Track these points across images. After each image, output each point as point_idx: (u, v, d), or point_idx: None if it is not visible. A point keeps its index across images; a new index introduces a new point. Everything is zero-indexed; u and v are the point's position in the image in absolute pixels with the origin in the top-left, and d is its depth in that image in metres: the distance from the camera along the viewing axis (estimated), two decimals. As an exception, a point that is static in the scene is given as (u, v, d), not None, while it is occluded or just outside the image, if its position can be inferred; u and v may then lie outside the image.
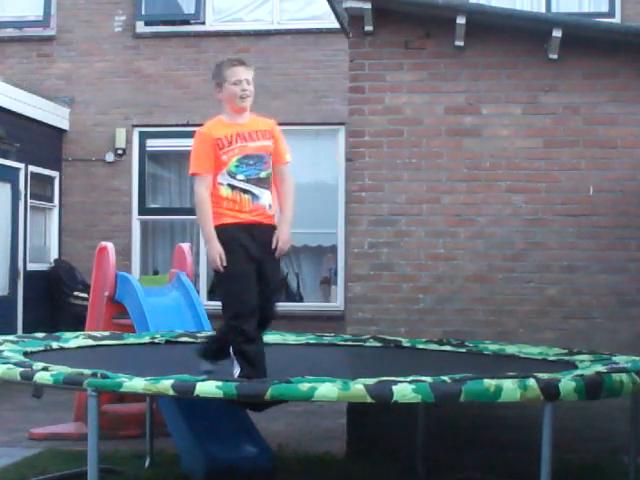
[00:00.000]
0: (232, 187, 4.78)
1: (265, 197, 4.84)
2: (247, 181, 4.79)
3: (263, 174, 4.84)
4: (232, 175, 4.78)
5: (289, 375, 4.37)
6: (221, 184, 4.77)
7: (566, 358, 5.41)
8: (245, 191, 4.78)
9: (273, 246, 4.82)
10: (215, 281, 4.88)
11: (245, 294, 4.74)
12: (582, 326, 6.49)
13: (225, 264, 4.71)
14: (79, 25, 12.10)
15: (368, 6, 6.52)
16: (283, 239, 4.85)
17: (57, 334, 6.25)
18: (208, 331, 6.85)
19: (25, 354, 5.38)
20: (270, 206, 4.87)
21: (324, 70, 11.52)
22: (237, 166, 4.78)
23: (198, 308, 7.25)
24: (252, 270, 4.77)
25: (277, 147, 4.98)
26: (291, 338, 6.64)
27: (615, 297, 6.50)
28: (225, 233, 4.73)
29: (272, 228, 4.87)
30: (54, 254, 11.83)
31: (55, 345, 5.90)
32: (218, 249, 4.71)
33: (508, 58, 6.65)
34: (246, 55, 11.73)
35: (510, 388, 4.16)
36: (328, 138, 11.62)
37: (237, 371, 4.75)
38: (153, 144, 12.03)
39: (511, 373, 4.39)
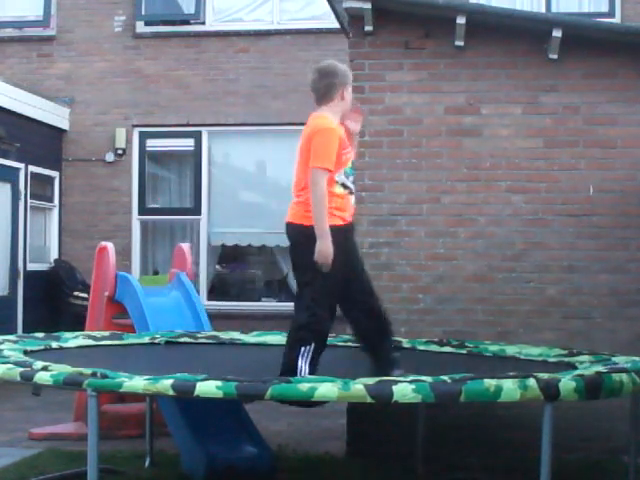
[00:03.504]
0: (344, 187, 4.94)
1: (353, 199, 5.09)
2: (353, 183, 5.04)
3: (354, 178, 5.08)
4: (346, 176, 4.96)
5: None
6: (337, 182, 4.90)
7: (566, 360, 5.41)
8: (351, 192, 5.01)
9: None
10: (307, 276, 4.88)
11: (334, 297, 4.90)
12: (582, 326, 6.49)
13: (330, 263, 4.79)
14: (79, 25, 12.10)
15: (368, 6, 6.52)
16: None
17: (57, 334, 6.25)
18: (208, 331, 6.86)
19: (25, 353, 5.38)
20: None
21: (324, 70, 11.50)
22: (351, 167, 5.00)
23: (198, 308, 7.25)
24: (342, 277, 4.91)
25: None
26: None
27: (615, 297, 6.50)
28: (337, 235, 4.82)
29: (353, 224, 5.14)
30: (54, 254, 11.83)
31: (55, 345, 5.90)
32: (331, 246, 4.77)
33: (508, 58, 6.65)
34: (246, 55, 11.77)
35: (510, 388, 4.17)
36: (328, 138, 11.60)
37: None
38: (153, 144, 12.03)
39: (511, 373, 4.39)
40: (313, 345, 4.79)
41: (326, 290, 4.84)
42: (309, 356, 4.78)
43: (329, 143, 4.83)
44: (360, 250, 5.29)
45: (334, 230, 4.81)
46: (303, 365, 4.77)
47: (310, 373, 4.75)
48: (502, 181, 6.62)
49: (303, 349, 4.78)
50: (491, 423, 6.32)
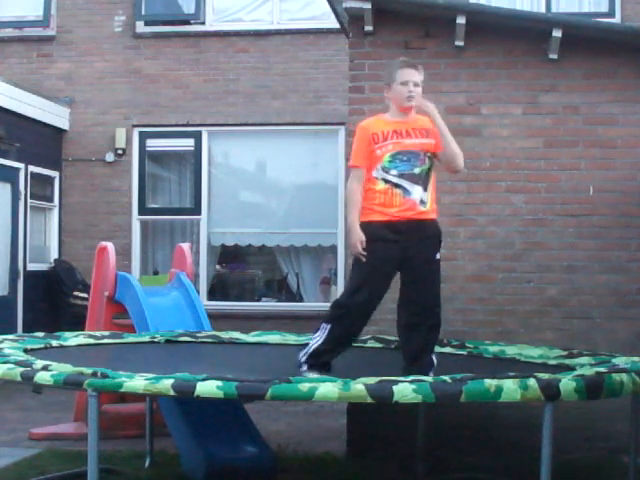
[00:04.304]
0: (385, 181, 4.94)
1: (416, 192, 4.94)
2: (400, 176, 4.94)
3: (417, 170, 4.96)
4: (386, 170, 4.94)
5: (289, 375, 4.37)
6: (377, 178, 4.95)
7: (566, 362, 5.40)
8: (397, 185, 4.92)
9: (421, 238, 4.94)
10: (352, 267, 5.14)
11: (362, 293, 4.92)
12: (582, 326, 6.49)
13: (365, 254, 4.87)
14: (79, 25, 12.08)
15: (368, 6, 6.53)
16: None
17: (57, 334, 6.25)
18: (208, 331, 6.86)
19: (25, 351, 5.39)
20: (422, 201, 4.95)
21: (324, 70, 11.51)
22: (390, 161, 4.95)
23: (198, 308, 7.25)
24: (384, 274, 4.95)
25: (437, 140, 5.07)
26: (291, 338, 6.63)
27: (615, 297, 6.50)
28: (370, 230, 4.90)
29: (423, 223, 4.96)
30: (54, 254, 11.82)
31: (55, 343, 5.90)
32: (359, 236, 4.88)
33: (508, 58, 6.66)
34: (246, 55, 11.77)
35: (511, 388, 4.16)
36: (328, 138, 11.62)
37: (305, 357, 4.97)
38: (153, 144, 12.03)
39: (511, 373, 4.39)
40: (330, 326, 4.93)
41: (357, 283, 4.96)
42: (325, 334, 4.94)
43: (355, 141, 5.07)
44: (429, 257, 4.98)
45: (369, 225, 4.92)
46: (319, 337, 4.96)
47: (319, 350, 4.92)
48: (502, 181, 6.62)
49: (323, 325, 4.99)
50: (491, 423, 6.32)
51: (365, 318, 5.04)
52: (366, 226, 4.92)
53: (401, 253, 4.93)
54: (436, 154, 5.05)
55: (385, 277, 4.98)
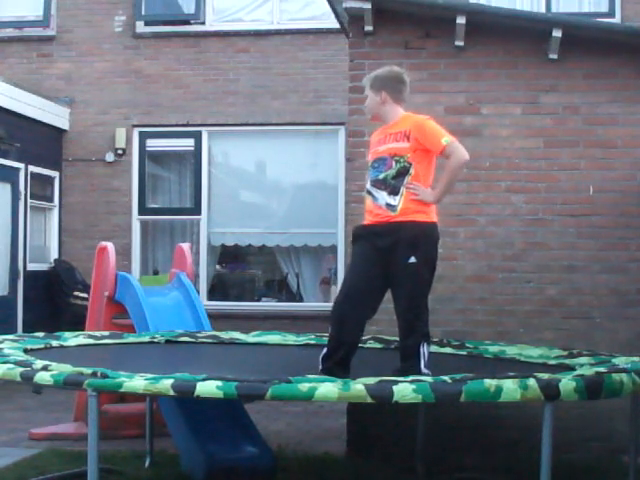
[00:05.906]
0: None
1: (381, 198, 4.98)
2: (370, 183, 5.06)
3: (381, 175, 5.01)
4: (369, 176, 5.12)
5: (289, 375, 4.36)
6: None
7: (566, 362, 5.40)
8: (369, 193, 5.07)
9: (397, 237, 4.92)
10: None
11: (344, 287, 5.05)
12: (582, 326, 6.49)
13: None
14: (79, 25, 12.08)
15: (368, 6, 6.53)
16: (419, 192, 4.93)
17: (57, 334, 6.26)
18: (208, 331, 6.86)
19: (25, 351, 5.39)
20: (389, 206, 4.94)
21: (324, 70, 11.51)
22: (369, 171, 5.10)
23: (198, 308, 7.25)
24: (366, 267, 4.96)
25: (426, 143, 4.96)
26: (291, 338, 6.63)
27: (615, 297, 6.50)
28: (354, 231, 5.17)
29: (395, 225, 4.91)
30: (54, 254, 11.82)
31: (55, 343, 5.91)
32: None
33: (508, 58, 6.66)
34: (246, 55, 11.77)
35: (510, 388, 4.17)
36: (328, 138, 11.62)
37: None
38: (153, 144, 12.02)
39: (511, 373, 4.39)
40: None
41: (343, 279, 5.21)
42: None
43: None
44: (400, 261, 4.86)
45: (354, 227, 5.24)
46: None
47: (325, 352, 5.00)
48: (502, 181, 6.63)
49: None
50: (491, 423, 6.32)
51: (349, 316, 4.93)
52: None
53: (381, 255, 4.93)
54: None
55: (361, 271, 4.97)
